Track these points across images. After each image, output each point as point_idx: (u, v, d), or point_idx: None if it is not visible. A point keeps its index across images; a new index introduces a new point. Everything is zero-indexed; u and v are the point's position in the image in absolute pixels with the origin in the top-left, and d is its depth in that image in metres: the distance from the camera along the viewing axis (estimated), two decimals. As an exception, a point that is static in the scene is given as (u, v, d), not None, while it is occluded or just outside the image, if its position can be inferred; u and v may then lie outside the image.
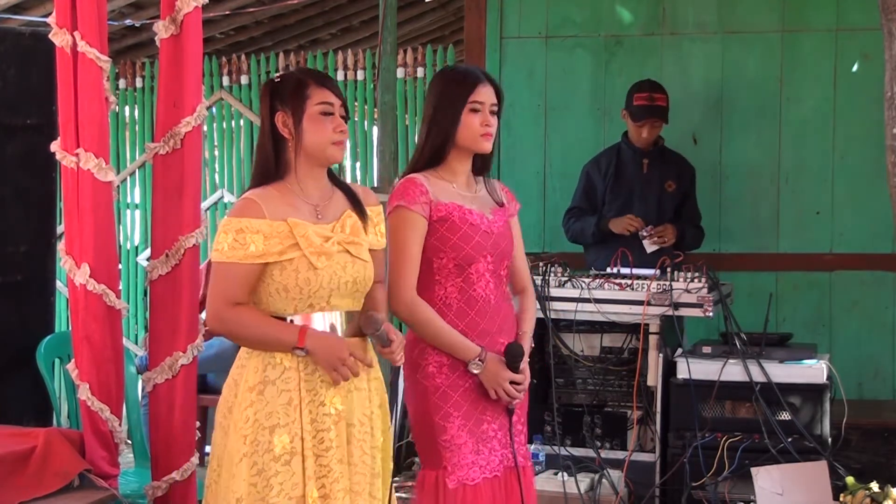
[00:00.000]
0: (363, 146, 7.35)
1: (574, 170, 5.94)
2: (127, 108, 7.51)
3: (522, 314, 3.69)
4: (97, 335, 3.63)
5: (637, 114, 5.61)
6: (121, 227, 7.40)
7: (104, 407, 3.65)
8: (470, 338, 3.48)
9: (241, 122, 7.33)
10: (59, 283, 5.04)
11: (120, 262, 3.93)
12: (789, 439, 4.66)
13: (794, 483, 4.48)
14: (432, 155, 3.54)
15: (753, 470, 4.52)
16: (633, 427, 4.91)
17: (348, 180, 4.80)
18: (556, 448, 4.82)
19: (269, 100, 3.21)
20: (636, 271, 5.06)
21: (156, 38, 3.73)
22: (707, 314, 4.84)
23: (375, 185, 6.09)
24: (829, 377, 4.77)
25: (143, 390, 4.01)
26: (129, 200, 7.60)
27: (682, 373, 4.82)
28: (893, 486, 4.27)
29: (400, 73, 6.77)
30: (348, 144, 3.24)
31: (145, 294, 4.01)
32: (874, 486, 4.28)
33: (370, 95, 6.94)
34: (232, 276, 3.10)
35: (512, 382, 3.50)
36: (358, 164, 7.40)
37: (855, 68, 6.09)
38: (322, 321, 3.17)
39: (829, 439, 4.74)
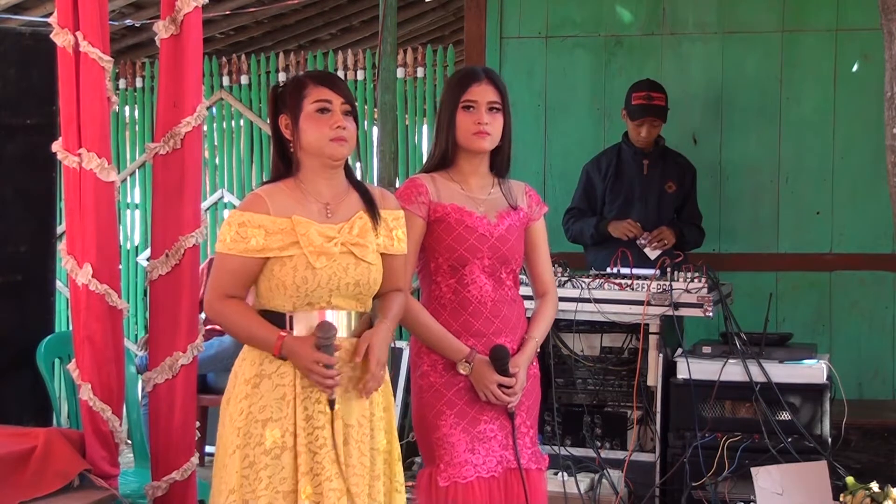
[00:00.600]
0: (363, 146, 7.34)
1: (574, 170, 5.94)
2: (127, 108, 7.50)
3: (534, 319, 3.62)
4: (99, 335, 3.63)
5: (635, 113, 5.61)
6: (121, 228, 7.40)
7: (106, 407, 3.65)
8: (464, 338, 3.47)
9: (241, 122, 7.32)
10: (59, 283, 5.04)
11: (120, 263, 3.92)
12: (789, 439, 4.67)
13: (794, 483, 4.48)
14: (441, 157, 3.56)
15: (753, 470, 4.52)
16: (633, 427, 4.91)
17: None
18: (556, 448, 4.82)
19: (273, 105, 3.25)
20: (636, 271, 5.07)
21: (156, 38, 3.74)
22: (707, 314, 4.84)
23: (375, 185, 6.08)
24: (828, 377, 4.77)
25: (143, 390, 4.01)
26: (129, 200, 7.59)
27: (682, 373, 4.82)
28: (893, 486, 4.27)
29: (400, 73, 6.76)
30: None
31: (145, 294, 4.01)
32: (874, 486, 4.28)
33: (370, 95, 6.93)
34: (229, 269, 3.12)
35: (502, 385, 3.45)
36: (358, 164, 7.39)
37: (855, 68, 6.09)
38: (318, 319, 3.13)
39: (829, 439, 4.75)
